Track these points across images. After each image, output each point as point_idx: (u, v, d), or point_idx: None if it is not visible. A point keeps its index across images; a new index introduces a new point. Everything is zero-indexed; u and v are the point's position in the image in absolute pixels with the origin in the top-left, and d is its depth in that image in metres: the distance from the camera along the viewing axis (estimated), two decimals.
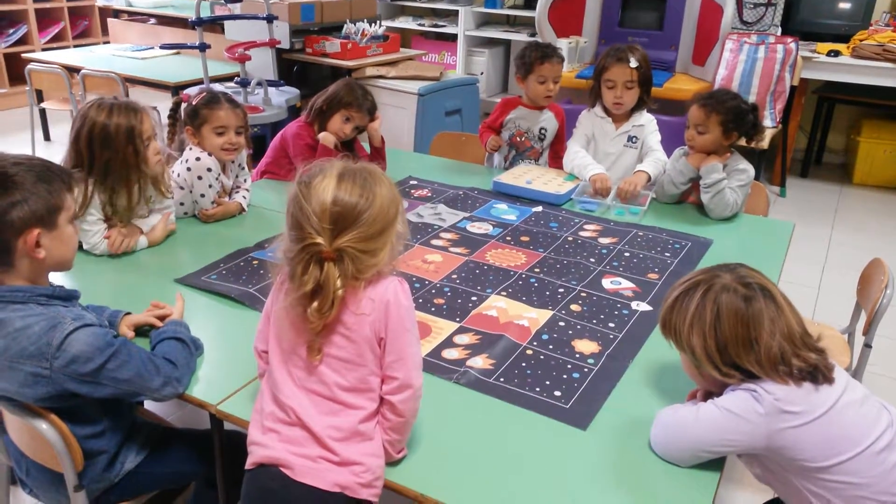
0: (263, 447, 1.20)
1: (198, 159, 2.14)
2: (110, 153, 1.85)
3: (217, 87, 4.09)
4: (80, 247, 1.90)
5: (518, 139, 2.80)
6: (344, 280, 1.15)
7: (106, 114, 1.85)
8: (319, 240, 1.12)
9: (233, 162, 2.28)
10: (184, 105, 2.23)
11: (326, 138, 2.48)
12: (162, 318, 1.58)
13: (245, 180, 2.35)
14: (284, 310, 1.21)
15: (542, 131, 2.80)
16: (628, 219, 2.36)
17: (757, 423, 1.20)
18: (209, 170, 2.15)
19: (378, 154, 2.66)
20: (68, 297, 1.37)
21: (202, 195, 2.17)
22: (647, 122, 2.62)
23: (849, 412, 1.22)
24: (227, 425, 1.42)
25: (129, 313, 1.59)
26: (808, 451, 1.20)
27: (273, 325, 1.26)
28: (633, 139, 2.62)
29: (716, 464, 1.27)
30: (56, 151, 1.45)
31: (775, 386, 1.20)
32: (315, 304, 1.14)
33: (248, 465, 1.22)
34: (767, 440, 1.21)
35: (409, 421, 1.22)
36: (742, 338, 1.22)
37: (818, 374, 1.22)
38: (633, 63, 2.48)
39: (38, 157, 1.37)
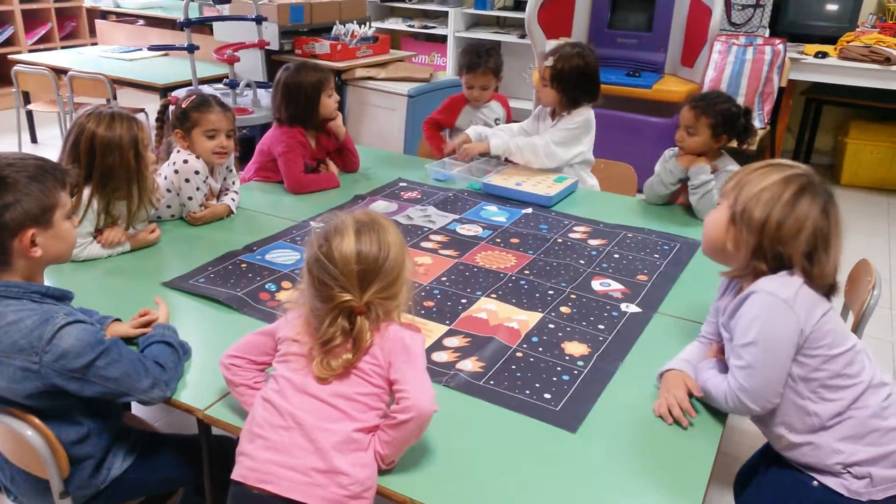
0: (249, 458, 1.19)
1: (185, 162, 2.13)
2: (113, 159, 1.86)
3: (206, 88, 4.08)
4: None
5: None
6: (373, 329, 1.23)
7: (106, 125, 1.85)
8: (350, 297, 1.20)
9: (229, 171, 2.28)
10: (171, 108, 2.22)
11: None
12: (148, 324, 1.57)
13: (233, 182, 2.34)
14: (297, 352, 1.25)
15: (497, 122, 2.94)
16: (474, 188, 2.58)
17: (793, 311, 1.27)
18: (197, 172, 2.13)
19: (346, 147, 2.67)
20: (62, 296, 1.37)
21: (189, 198, 2.15)
22: (574, 117, 2.60)
23: (837, 318, 1.35)
24: (215, 430, 1.41)
25: (117, 319, 1.58)
26: (828, 337, 1.29)
27: (281, 348, 1.28)
28: None
29: (704, 465, 1.27)
30: (43, 153, 1.43)
31: (784, 285, 1.29)
32: (346, 355, 1.21)
33: (233, 475, 1.20)
34: (805, 325, 1.28)
35: (406, 442, 1.20)
36: (812, 237, 1.28)
37: (835, 291, 1.33)
38: (547, 62, 2.55)
39: (32, 156, 1.36)
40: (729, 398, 1.33)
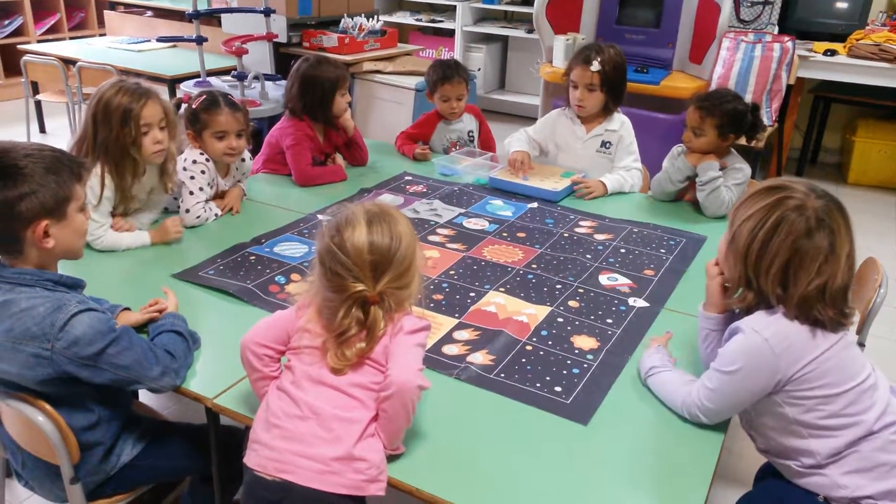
0: (266, 447, 1.20)
1: (195, 162, 2.13)
2: (106, 131, 1.87)
3: (214, 80, 4.08)
4: None
5: (454, 149, 2.90)
6: (386, 318, 1.23)
7: (113, 92, 1.87)
8: (362, 287, 1.21)
9: (242, 160, 2.29)
10: (184, 106, 2.22)
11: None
12: (157, 313, 1.57)
13: (243, 174, 2.34)
14: (310, 344, 1.26)
15: (471, 134, 2.95)
16: (481, 183, 2.58)
17: (775, 356, 1.25)
18: (203, 173, 2.13)
19: (355, 141, 2.68)
20: (74, 284, 1.38)
21: (191, 193, 2.12)
22: (619, 127, 2.60)
23: (841, 354, 1.28)
24: (224, 420, 1.42)
25: (127, 308, 1.59)
26: (825, 377, 1.26)
27: (293, 340, 1.28)
28: (607, 144, 2.62)
29: (709, 459, 1.28)
30: (52, 143, 1.43)
31: (771, 326, 1.26)
32: (360, 344, 1.21)
33: (249, 463, 1.21)
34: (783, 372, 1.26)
35: (394, 420, 1.20)
36: (784, 262, 1.26)
37: (823, 324, 1.27)
38: (594, 66, 2.47)
39: (50, 147, 1.37)
40: (686, 407, 1.36)
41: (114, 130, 1.87)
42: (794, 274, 1.26)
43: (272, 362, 1.30)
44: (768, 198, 1.30)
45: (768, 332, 1.27)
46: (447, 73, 2.77)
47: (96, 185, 1.88)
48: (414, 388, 1.18)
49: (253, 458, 1.21)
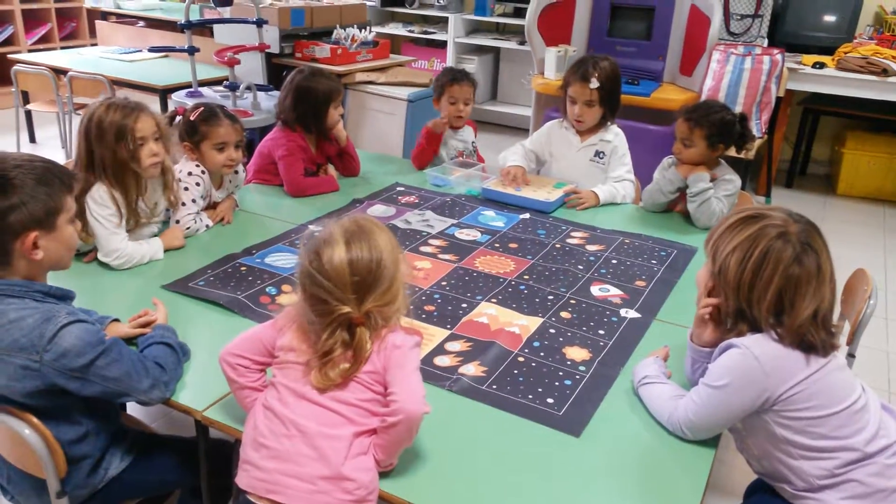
0: (255, 468, 1.19)
1: (189, 174, 2.12)
2: (102, 149, 1.85)
3: (206, 91, 4.08)
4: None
5: (460, 159, 2.90)
6: (373, 337, 1.22)
7: (104, 110, 1.85)
8: (348, 309, 1.19)
9: (235, 172, 2.28)
10: (178, 118, 2.21)
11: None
12: (147, 324, 1.57)
13: (237, 186, 2.34)
14: (294, 360, 1.24)
15: (474, 144, 2.95)
16: (473, 193, 2.58)
17: (764, 375, 1.25)
18: (198, 185, 2.13)
19: (348, 152, 2.68)
20: (63, 296, 1.38)
21: (183, 203, 2.11)
22: (614, 138, 2.62)
23: (830, 376, 1.28)
24: (213, 433, 1.41)
25: (116, 320, 1.58)
26: (813, 400, 1.26)
27: (279, 355, 1.27)
28: (601, 154, 2.63)
29: (702, 471, 1.28)
30: (42, 153, 1.43)
31: (762, 346, 1.26)
32: (344, 365, 1.20)
33: (240, 484, 1.20)
34: (769, 392, 1.26)
35: (398, 444, 1.20)
36: (777, 291, 1.26)
37: (815, 348, 1.27)
38: (594, 84, 2.49)
39: (41, 158, 1.36)
40: (671, 420, 1.36)
41: (110, 147, 1.85)
42: (791, 302, 1.26)
43: (248, 372, 1.29)
44: (749, 228, 1.30)
45: (759, 349, 1.27)
46: (456, 76, 2.80)
47: (111, 203, 1.86)
48: (421, 416, 1.18)
49: (244, 479, 1.20)
